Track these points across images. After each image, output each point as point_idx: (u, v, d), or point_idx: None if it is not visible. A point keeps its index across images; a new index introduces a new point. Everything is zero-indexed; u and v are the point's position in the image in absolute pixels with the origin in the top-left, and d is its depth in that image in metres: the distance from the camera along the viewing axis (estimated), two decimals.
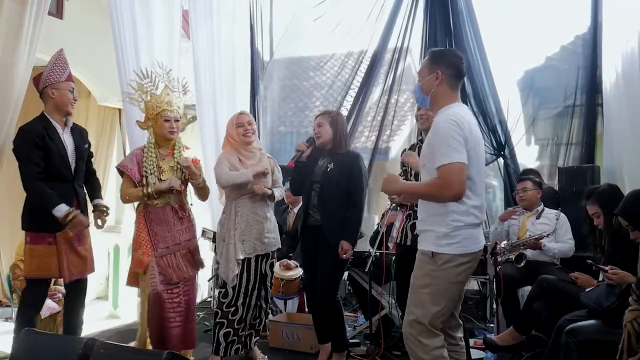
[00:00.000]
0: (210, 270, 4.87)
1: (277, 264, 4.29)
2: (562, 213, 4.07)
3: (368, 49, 5.61)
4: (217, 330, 3.28)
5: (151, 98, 3.29)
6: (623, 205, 2.58)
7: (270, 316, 4.29)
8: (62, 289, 3.91)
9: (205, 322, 4.39)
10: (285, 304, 4.42)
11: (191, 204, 3.46)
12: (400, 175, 3.42)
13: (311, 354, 3.67)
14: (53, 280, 3.71)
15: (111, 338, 3.90)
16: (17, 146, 3.16)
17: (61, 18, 5.39)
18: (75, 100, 3.36)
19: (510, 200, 4.74)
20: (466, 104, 3.76)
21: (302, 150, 3.31)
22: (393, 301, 3.71)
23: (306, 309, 4.29)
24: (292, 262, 4.28)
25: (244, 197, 3.34)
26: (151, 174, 3.23)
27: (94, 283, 6.04)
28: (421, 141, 3.28)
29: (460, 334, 2.46)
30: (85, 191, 3.45)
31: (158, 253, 3.22)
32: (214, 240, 4.55)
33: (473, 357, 3.19)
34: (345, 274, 4.04)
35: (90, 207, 3.49)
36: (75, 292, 3.40)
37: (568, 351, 2.63)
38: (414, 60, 5.64)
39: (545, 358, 2.93)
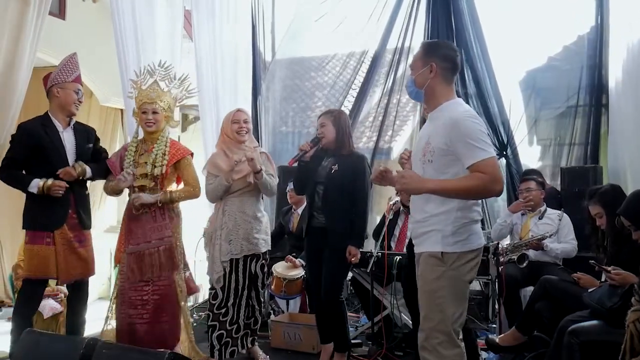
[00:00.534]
0: None
1: (279, 262, 4.29)
2: (564, 214, 4.06)
3: (370, 49, 5.61)
4: (210, 333, 3.27)
5: (138, 93, 3.34)
6: (625, 206, 2.57)
7: (272, 316, 4.29)
8: (65, 289, 3.91)
9: (207, 323, 4.38)
10: (287, 303, 4.42)
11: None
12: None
13: (313, 354, 3.67)
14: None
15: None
16: (10, 142, 3.26)
17: (63, 19, 5.40)
18: (81, 101, 3.39)
19: (512, 200, 4.72)
20: (468, 104, 3.75)
21: (305, 150, 3.28)
22: (395, 302, 3.70)
23: (308, 309, 4.29)
24: (298, 261, 4.28)
25: (232, 196, 3.31)
26: (127, 166, 3.26)
27: (97, 283, 6.05)
28: None
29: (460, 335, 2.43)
30: (87, 192, 3.45)
31: (129, 249, 3.26)
32: None
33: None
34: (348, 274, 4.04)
35: (90, 207, 3.48)
36: (77, 293, 3.41)
37: (570, 352, 2.62)
38: None
39: (547, 359, 2.92)
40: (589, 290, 2.92)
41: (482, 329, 4.13)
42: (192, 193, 3.36)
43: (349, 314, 4.19)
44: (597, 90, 4.73)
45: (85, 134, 3.45)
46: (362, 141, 5.88)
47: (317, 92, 6.41)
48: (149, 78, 3.37)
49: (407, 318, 3.67)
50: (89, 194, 3.48)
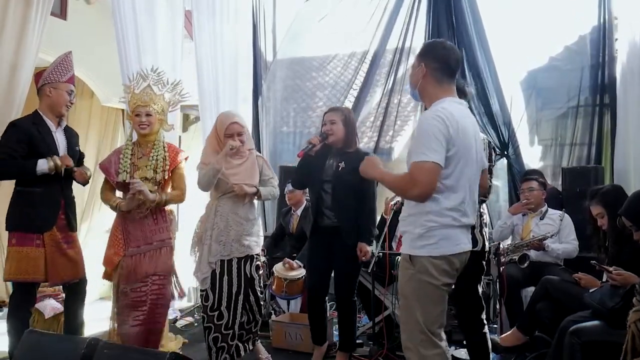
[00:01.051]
0: None
1: (279, 263, 4.29)
2: (565, 214, 4.06)
3: (370, 50, 5.60)
4: (206, 336, 3.21)
5: (131, 97, 3.33)
6: (627, 206, 2.57)
7: (273, 316, 4.29)
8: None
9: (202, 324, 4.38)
10: (288, 304, 4.42)
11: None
12: None
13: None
14: None
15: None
16: (2, 139, 3.15)
17: (65, 19, 5.39)
18: (72, 103, 3.33)
19: (514, 200, 4.72)
20: (470, 103, 3.75)
21: (314, 143, 3.25)
22: (396, 302, 3.70)
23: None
24: (295, 263, 4.28)
25: (225, 196, 3.25)
26: (123, 171, 3.23)
27: (97, 283, 6.03)
28: None
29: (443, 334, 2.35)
30: (73, 195, 3.43)
31: (128, 252, 3.23)
32: None
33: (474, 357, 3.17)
34: None
35: (78, 210, 3.46)
36: (73, 294, 3.37)
37: (572, 352, 2.62)
38: None
39: (548, 359, 2.92)
40: (590, 291, 2.92)
41: None
42: (179, 197, 3.38)
43: None
44: (600, 90, 4.72)
45: (74, 136, 3.44)
46: (363, 141, 5.87)
47: (318, 92, 6.41)
48: (142, 82, 3.35)
49: None
50: (74, 196, 3.45)
